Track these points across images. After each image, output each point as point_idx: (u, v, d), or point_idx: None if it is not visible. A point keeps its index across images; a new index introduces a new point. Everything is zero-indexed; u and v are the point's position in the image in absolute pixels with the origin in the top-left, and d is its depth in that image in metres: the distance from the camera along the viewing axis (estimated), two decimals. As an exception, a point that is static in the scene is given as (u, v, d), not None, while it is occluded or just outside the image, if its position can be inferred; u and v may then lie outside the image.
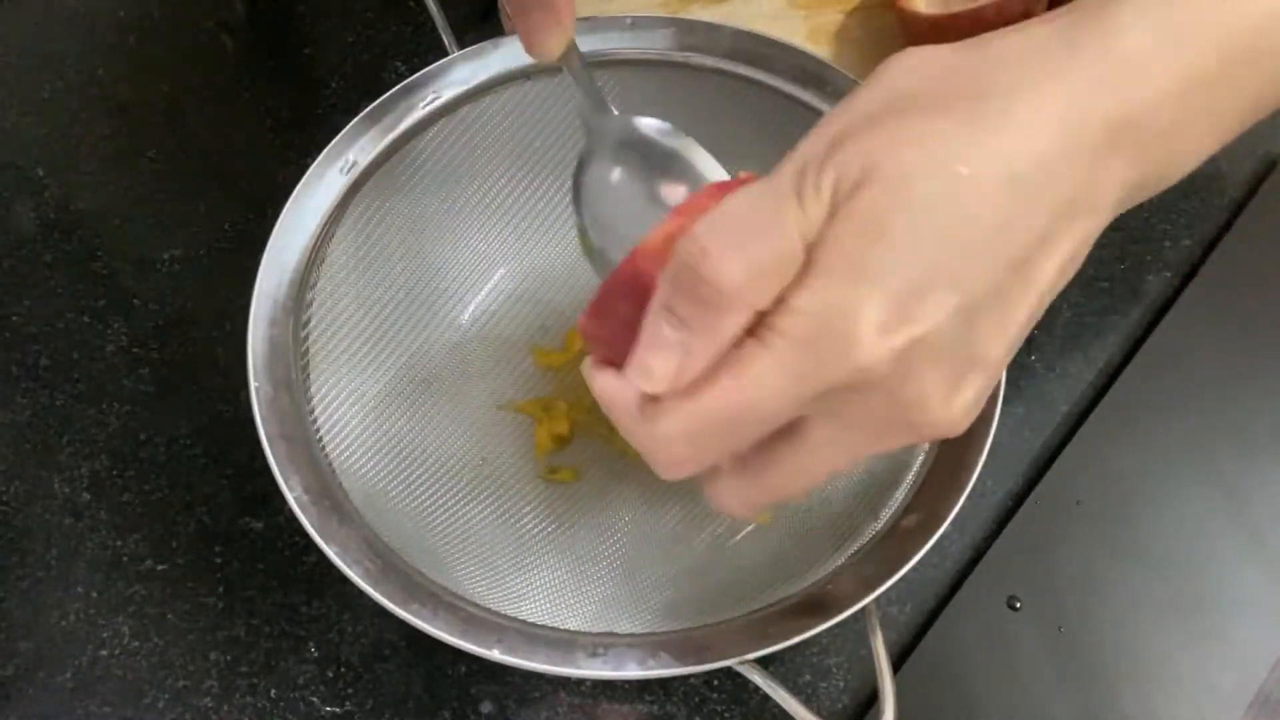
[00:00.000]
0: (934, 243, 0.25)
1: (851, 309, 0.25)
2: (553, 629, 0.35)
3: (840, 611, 0.35)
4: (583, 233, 0.38)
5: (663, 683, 0.43)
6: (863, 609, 0.35)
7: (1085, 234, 0.26)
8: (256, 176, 0.53)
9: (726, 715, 0.43)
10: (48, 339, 0.50)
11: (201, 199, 0.53)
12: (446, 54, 0.45)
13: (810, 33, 0.54)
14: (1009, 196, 0.25)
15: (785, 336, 0.25)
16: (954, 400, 0.26)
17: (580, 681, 0.43)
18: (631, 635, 0.36)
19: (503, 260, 0.48)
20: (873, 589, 0.35)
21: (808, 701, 0.43)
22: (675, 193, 0.37)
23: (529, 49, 0.36)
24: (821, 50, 0.53)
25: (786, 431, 0.27)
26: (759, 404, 0.26)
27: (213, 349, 0.49)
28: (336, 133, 0.42)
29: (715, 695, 0.43)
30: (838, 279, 0.25)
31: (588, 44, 0.44)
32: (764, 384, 0.25)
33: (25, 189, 0.53)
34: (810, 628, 0.35)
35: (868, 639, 0.37)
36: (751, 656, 0.35)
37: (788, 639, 0.34)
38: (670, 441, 0.27)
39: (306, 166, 0.42)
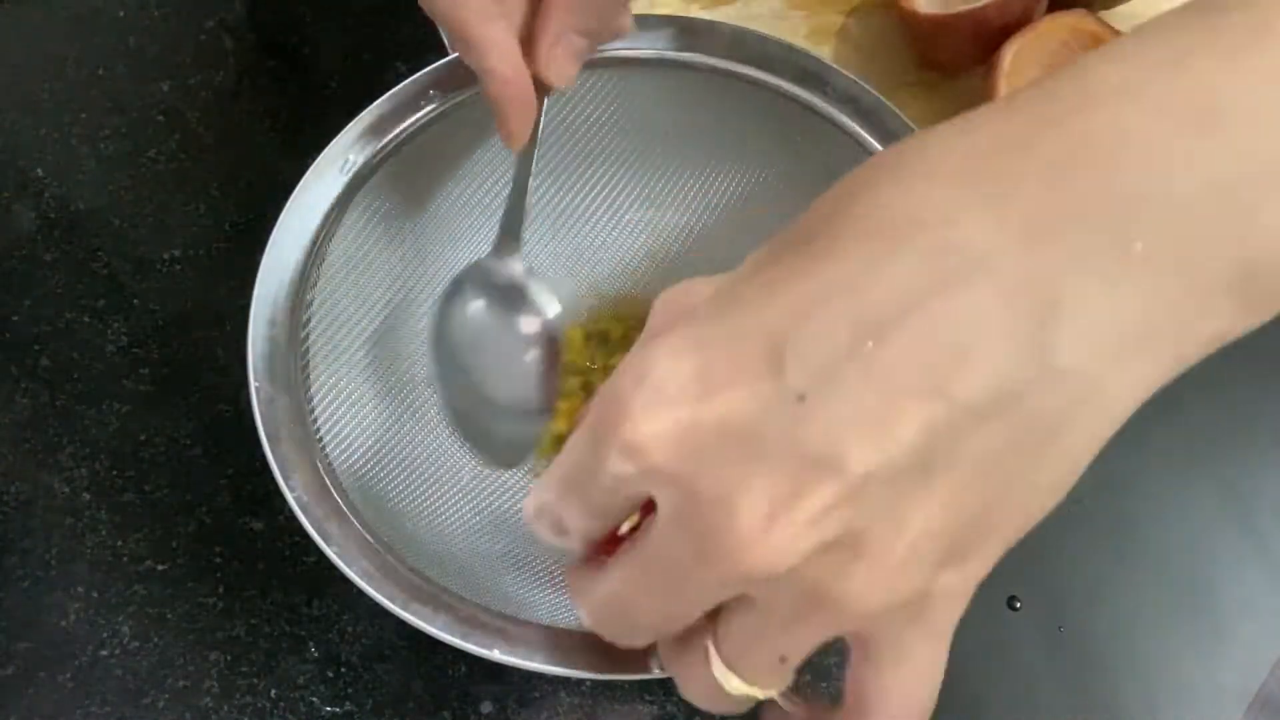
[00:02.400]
0: None
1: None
2: (553, 629, 0.35)
3: None
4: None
5: (663, 683, 0.43)
6: None
7: None
8: (256, 176, 0.53)
9: (726, 715, 0.43)
10: (48, 339, 0.50)
11: (201, 199, 0.53)
12: (447, 54, 0.45)
13: (810, 33, 0.54)
14: None
15: None
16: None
17: (580, 681, 0.43)
18: None
19: (504, 260, 0.48)
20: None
21: (808, 701, 0.43)
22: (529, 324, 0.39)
23: (506, 138, 0.38)
24: (821, 50, 0.53)
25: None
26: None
27: (213, 349, 0.49)
28: (336, 133, 0.42)
29: (715, 695, 0.43)
30: None
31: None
32: None
33: (25, 189, 0.53)
34: None
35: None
36: None
37: None
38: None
39: (306, 166, 0.42)
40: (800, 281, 0.21)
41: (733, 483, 0.21)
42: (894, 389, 0.20)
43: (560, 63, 0.37)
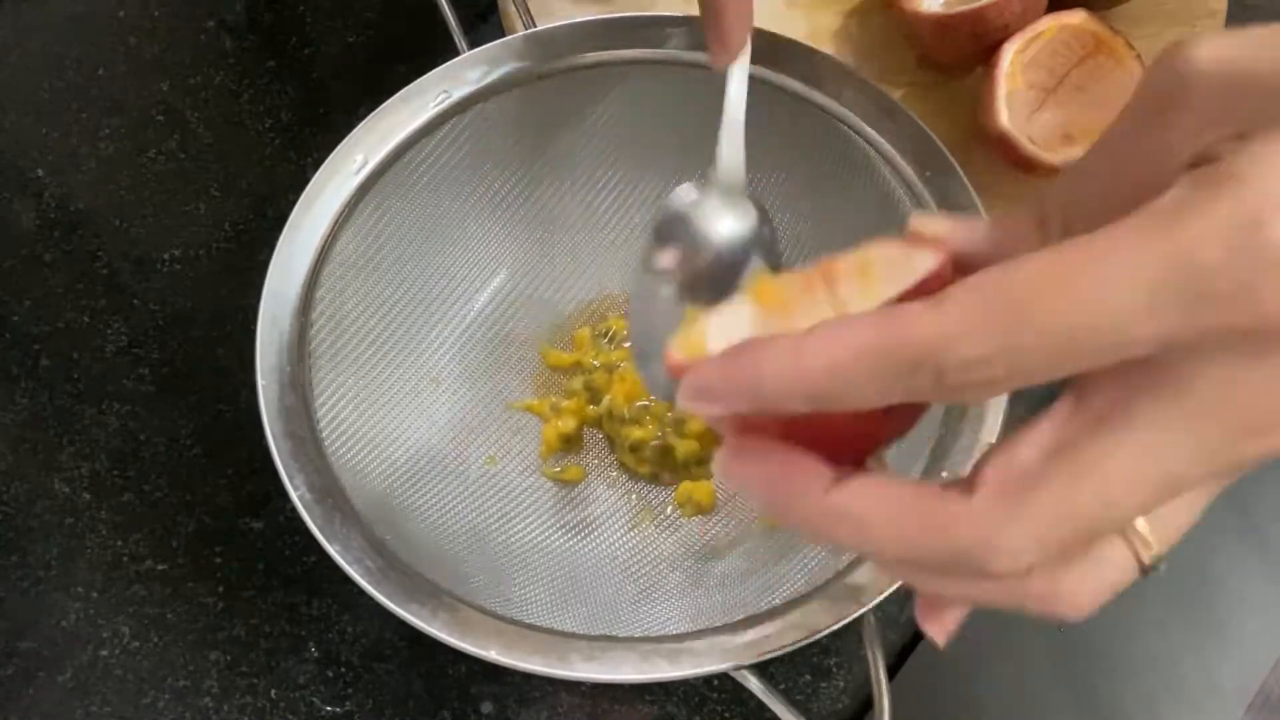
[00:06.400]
0: None
1: None
2: (549, 631, 0.35)
3: (837, 620, 0.35)
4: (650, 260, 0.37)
5: (663, 684, 0.43)
6: (860, 616, 0.35)
7: None
8: (256, 176, 0.53)
9: (726, 716, 0.43)
10: (48, 339, 0.50)
11: (201, 199, 0.53)
12: (448, 53, 0.44)
13: (810, 33, 0.54)
14: None
15: None
16: None
17: (580, 682, 0.43)
18: (627, 639, 0.36)
19: (512, 259, 0.48)
20: (869, 598, 0.35)
21: (808, 701, 0.43)
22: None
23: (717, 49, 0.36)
24: (821, 50, 0.53)
25: None
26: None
27: (213, 349, 0.49)
28: (336, 133, 0.42)
29: (715, 696, 0.43)
30: None
31: (594, 42, 0.44)
32: None
33: (25, 189, 0.53)
34: (806, 636, 0.34)
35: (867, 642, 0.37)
36: (745, 664, 0.34)
37: (782, 647, 0.34)
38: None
39: (306, 166, 0.42)
40: None
41: None
42: None
43: None
